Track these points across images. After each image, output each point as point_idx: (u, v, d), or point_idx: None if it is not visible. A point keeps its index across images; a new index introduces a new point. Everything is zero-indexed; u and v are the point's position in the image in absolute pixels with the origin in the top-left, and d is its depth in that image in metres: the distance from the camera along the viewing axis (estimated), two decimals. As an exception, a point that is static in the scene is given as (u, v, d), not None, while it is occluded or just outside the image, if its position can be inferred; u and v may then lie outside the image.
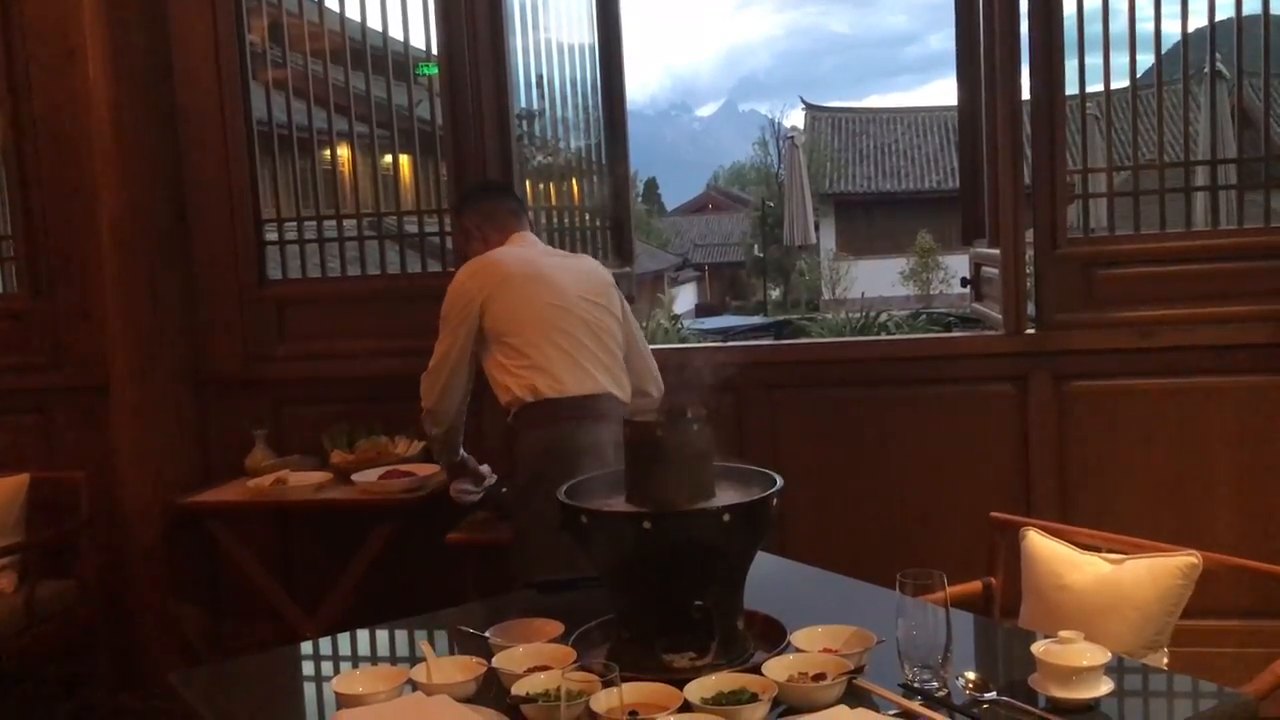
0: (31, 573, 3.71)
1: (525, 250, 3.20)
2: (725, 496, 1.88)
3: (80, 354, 4.06)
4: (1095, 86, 3.63)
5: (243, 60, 4.04)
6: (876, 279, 24.48)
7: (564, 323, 3.01)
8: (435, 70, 4.16)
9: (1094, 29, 3.58)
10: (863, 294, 13.66)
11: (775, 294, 26.74)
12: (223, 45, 4.01)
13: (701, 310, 25.41)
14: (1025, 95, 3.58)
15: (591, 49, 4.21)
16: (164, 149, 4.00)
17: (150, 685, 3.85)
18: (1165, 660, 2.34)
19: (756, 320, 15.46)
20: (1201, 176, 3.90)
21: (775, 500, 1.83)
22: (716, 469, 1.91)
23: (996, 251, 3.66)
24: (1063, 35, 3.54)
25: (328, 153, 4.28)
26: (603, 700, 1.53)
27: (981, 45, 3.84)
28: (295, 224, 4.16)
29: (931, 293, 24.08)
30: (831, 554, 2.54)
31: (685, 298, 27.28)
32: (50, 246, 4.10)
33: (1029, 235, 3.62)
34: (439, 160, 4.21)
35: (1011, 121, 3.55)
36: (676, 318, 13.72)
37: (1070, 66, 3.55)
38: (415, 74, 4.46)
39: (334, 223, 4.18)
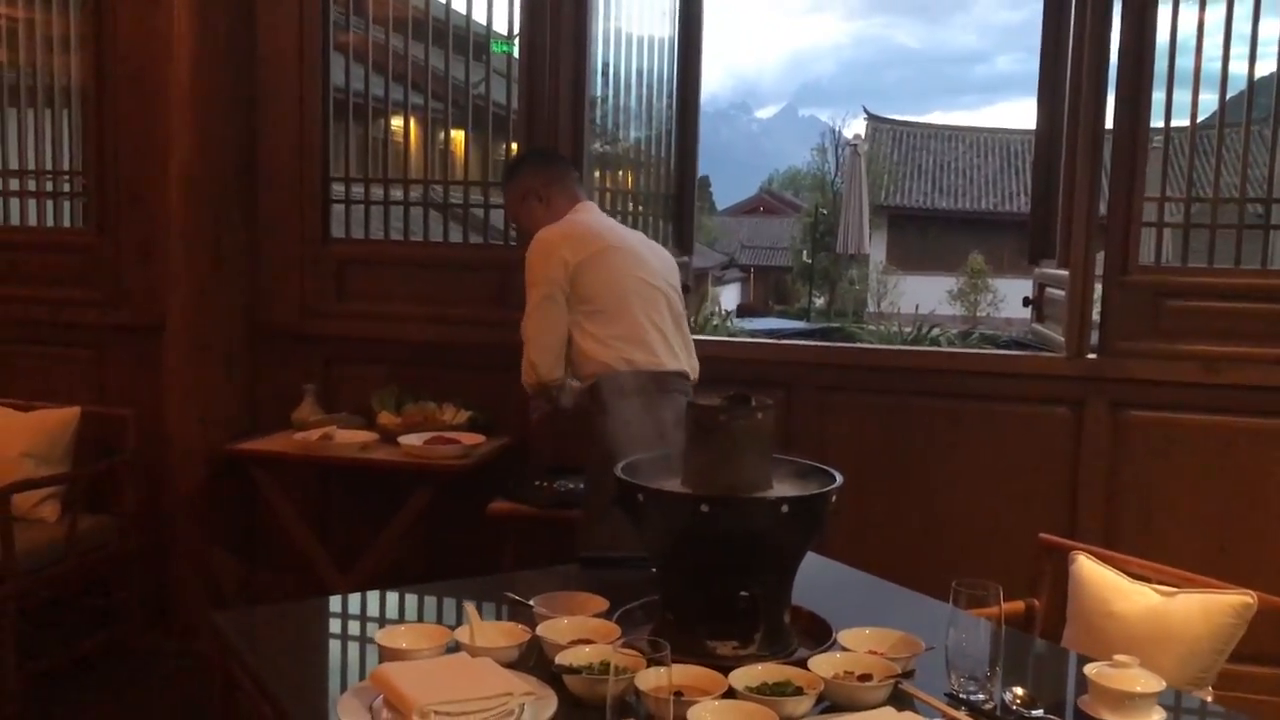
0: (74, 505, 3.76)
1: (604, 219, 3.22)
2: (782, 488, 1.86)
3: (139, 294, 4.11)
4: (1180, 120, 3.59)
5: (325, 23, 4.06)
6: (923, 295, 24.27)
7: (653, 298, 3.03)
8: (509, 49, 4.17)
9: (1181, 62, 3.53)
10: (916, 308, 13.55)
11: (819, 302, 26.61)
12: (307, 7, 4.03)
13: (743, 311, 25.31)
14: (1108, 123, 3.54)
15: (663, 42, 4.21)
16: (239, 100, 4.02)
17: (179, 625, 3.89)
18: (1210, 699, 2.29)
19: (802, 325, 15.39)
20: (1280, 216, 3.82)
21: (834, 497, 1.82)
22: (775, 461, 1.90)
23: (1064, 273, 3.61)
24: (1153, 66, 3.49)
25: (393, 122, 4.29)
26: (650, 678, 1.52)
27: (1068, 69, 3.80)
28: (362, 185, 4.17)
29: (978, 314, 23.86)
30: (869, 560, 2.51)
31: (728, 297, 27.21)
32: (119, 185, 4.15)
33: (1098, 260, 3.57)
34: (489, 135, 4.25)
35: (1092, 148, 3.51)
36: (728, 313, 13.69)
37: (1155, 99, 3.51)
38: (490, 51, 4.47)
39: (399, 190, 4.19)
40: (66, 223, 4.39)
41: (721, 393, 1.88)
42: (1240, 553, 3.41)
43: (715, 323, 11.09)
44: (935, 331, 10.27)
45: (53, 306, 4.20)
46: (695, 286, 6.16)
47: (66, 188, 4.37)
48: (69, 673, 3.74)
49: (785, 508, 1.75)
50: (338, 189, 4.18)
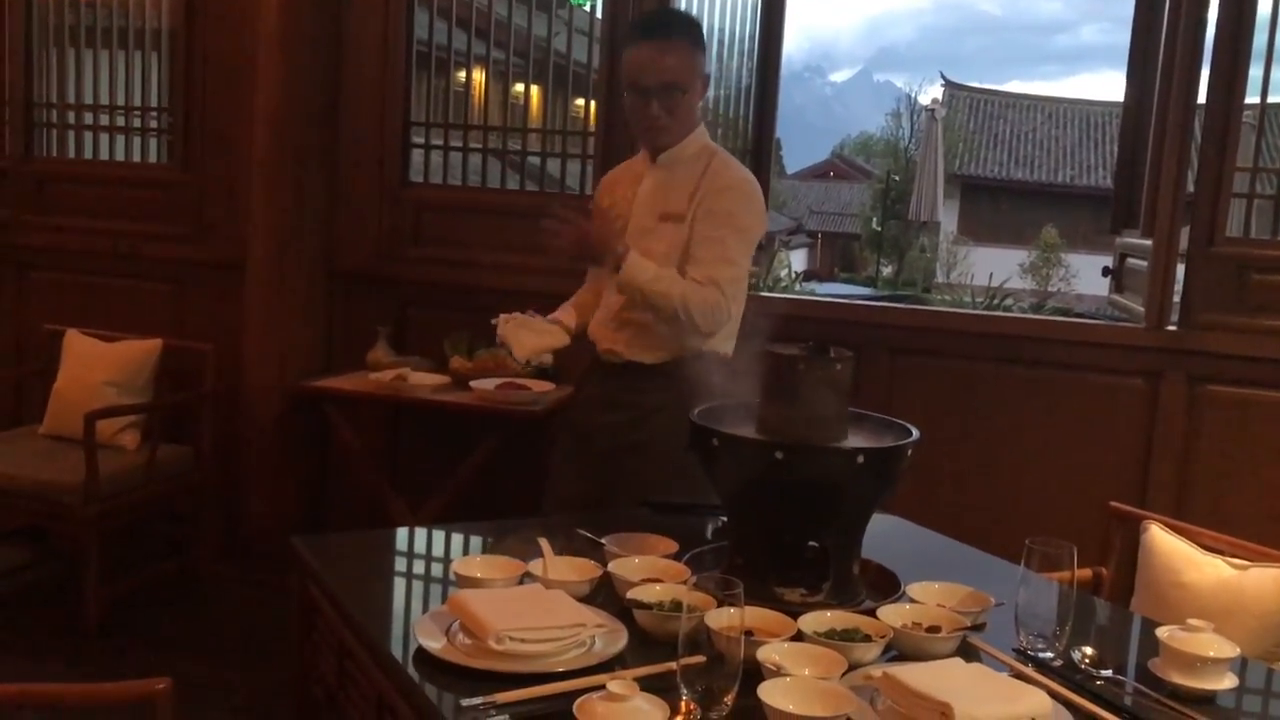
0: (154, 435, 3.87)
1: None
2: (857, 440, 1.87)
3: (221, 230, 4.20)
4: (1276, 97, 3.50)
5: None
6: (994, 267, 23.78)
7: None
8: (586, 2, 4.16)
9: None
10: (991, 275, 13.31)
11: (887, 270, 26.31)
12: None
13: (810, 276, 25.10)
14: (1200, 96, 3.46)
15: (744, 1, 4.16)
16: (326, 43, 4.07)
17: (251, 555, 4.00)
18: (1278, 673, 2.27)
19: (870, 292, 15.24)
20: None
21: (910, 451, 1.82)
22: (851, 415, 1.90)
23: (1147, 243, 3.55)
24: (1250, 41, 3.40)
25: (463, 74, 4.32)
26: (721, 617, 1.54)
27: (1161, 42, 3.71)
28: (442, 131, 4.20)
29: (1050, 289, 23.46)
30: (937, 523, 2.50)
31: (796, 262, 26.98)
32: (204, 123, 4.23)
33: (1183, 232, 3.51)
34: (568, 92, 4.26)
35: (1184, 121, 3.44)
36: (799, 274, 13.58)
37: (1252, 75, 3.42)
38: (571, 6, 4.47)
39: (478, 135, 4.21)
40: (153, 159, 4.48)
41: (800, 343, 1.88)
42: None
43: (785, 283, 11.01)
44: (1008, 301, 10.10)
45: (137, 240, 4.31)
46: (766, 247, 6.14)
47: (154, 124, 4.46)
48: (144, 596, 3.87)
49: (861, 458, 1.75)
50: (417, 138, 4.22)
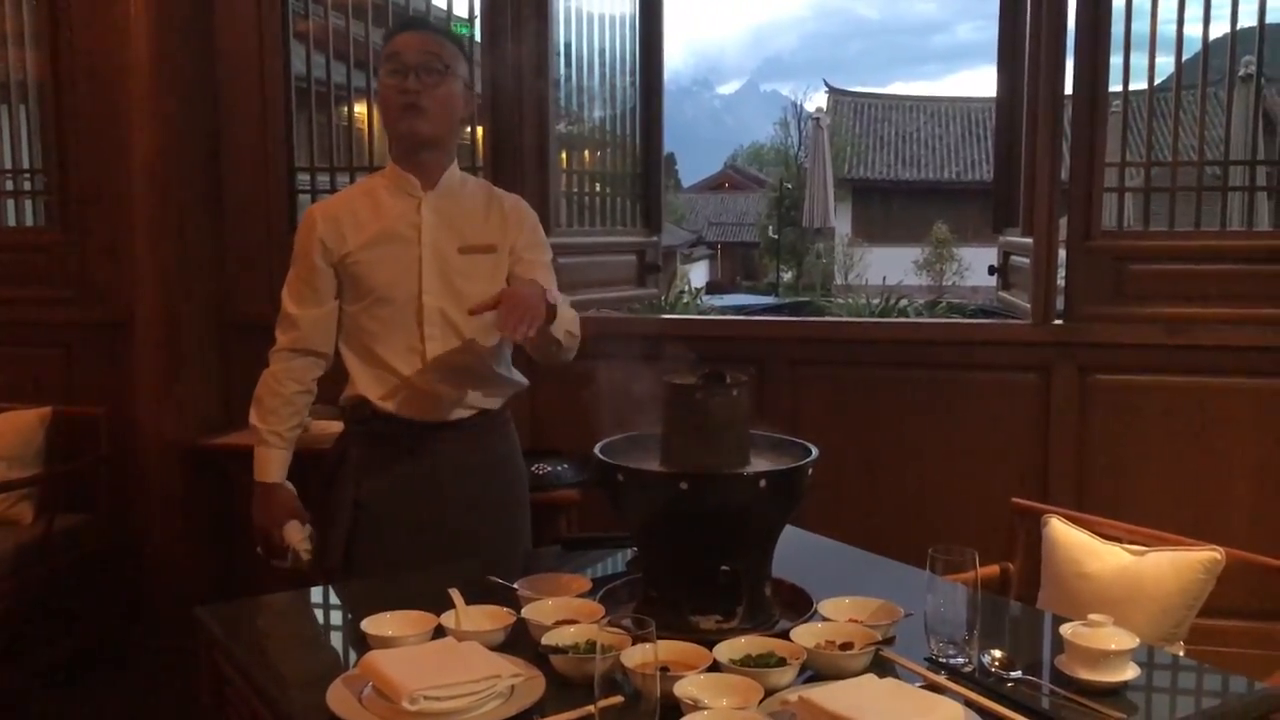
0: (50, 505, 3.74)
1: None
2: (759, 463, 1.89)
3: (105, 290, 4.08)
4: (1138, 84, 3.64)
5: (285, 11, 4.03)
6: (890, 267, 24.41)
7: None
8: (469, 30, 4.15)
9: (1137, 26, 3.58)
10: (884, 279, 13.62)
11: (787, 276, 26.68)
12: (265, -5, 4.00)
13: (712, 288, 25.34)
14: (1067, 89, 3.57)
15: (624, 20, 4.21)
16: (201, 91, 3.99)
17: (159, 623, 3.88)
18: (1182, 654, 2.35)
19: (771, 300, 15.44)
20: (1238, 177, 3.88)
21: (810, 470, 1.84)
22: (753, 437, 1.92)
23: (1028, 240, 3.65)
24: (1109, 30, 3.52)
25: (350, 109, 4.28)
26: (635, 655, 1.54)
27: (1027, 36, 3.83)
28: (328, 174, 4.15)
29: (944, 284, 24.03)
30: (846, 530, 2.54)
31: (697, 275, 27.21)
32: (80, 181, 4.12)
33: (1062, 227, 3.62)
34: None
35: (1053, 113, 3.55)
36: (698, 291, 13.69)
37: (1114, 63, 3.54)
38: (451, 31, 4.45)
39: (365, 173, 4.17)
40: (29, 221, 4.35)
41: (697, 370, 1.89)
42: (1208, 509, 3.48)
43: (686, 300, 11.11)
44: (903, 303, 10.34)
45: (18, 306, 4.16)
46: (664, 265, 6.17)
47: (27, 186, 4.32)
48: (49, 676, 3.73)
49: (763, 483, 1.77)
50: (304, 179, 4.16)
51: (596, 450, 1.89)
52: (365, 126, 4.44)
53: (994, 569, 2.61)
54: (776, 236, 27.52)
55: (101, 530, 3.91)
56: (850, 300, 12.12)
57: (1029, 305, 3.64)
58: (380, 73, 2.37)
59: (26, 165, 4.30)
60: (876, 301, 10.50)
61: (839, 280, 25.72)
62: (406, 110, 2.31)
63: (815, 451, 1.87)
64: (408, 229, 2.36)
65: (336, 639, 1.99)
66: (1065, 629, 1.70)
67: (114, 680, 3.80)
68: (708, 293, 21.28)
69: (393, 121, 2.35)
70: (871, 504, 3.70)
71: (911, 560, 2.33)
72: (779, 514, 1.86)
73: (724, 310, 11.26)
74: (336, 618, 2.14)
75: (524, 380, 2.51)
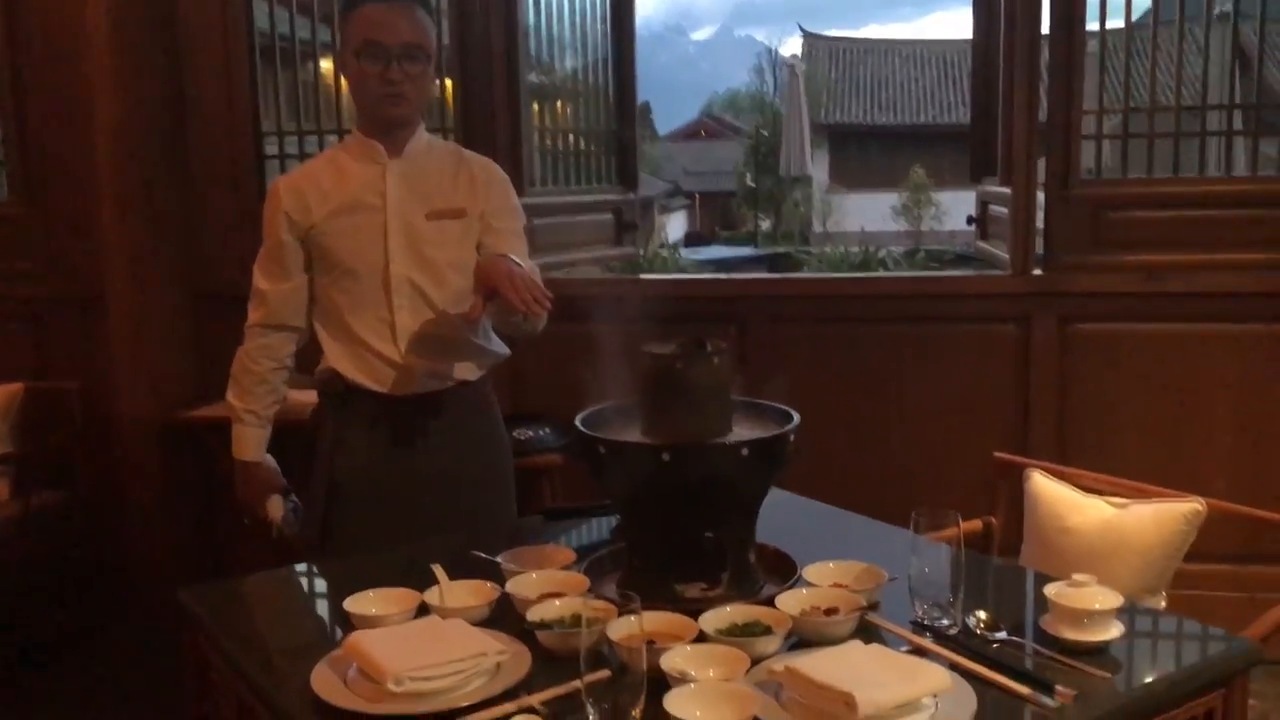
0: (27, 483, 3.70)
1: None
2: (741, 431, 1.87)
3: (75, 264, 4.01)
4: (1115, 22, 3.59)
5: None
6: (868, 213, 24.42)
7: None
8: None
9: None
10: (862, 228, 13.61)
11: (765, 225, 26.62)
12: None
13: (691, 239, 25.29)
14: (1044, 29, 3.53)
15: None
16: (163, 57, 3.91)
17: (141, 600, 3.86)
18: (1163, 603, 2.36)
19: (750, 252, 15.40)
20: (1215, 123, 3.86)
21: (793, 436, 1.83)
22: (734, 403, 1.91)
23: (1006, 190, 3.64)
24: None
25: (316, 65, 4.20)
26: (621, 628, 1.53)
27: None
28: (296, 137, 4.08)
29: (923, 229, 24.04)
30: (829, 488, 2.54)
31: (675, 226, 27.13)
32: (44, 153, 4.03)
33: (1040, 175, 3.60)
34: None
35: (1029, 58, 3.51)
36: (675, 245, 13.62)
37: (1090, 2, 3.51)
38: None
39: (335, 138, 4.11)
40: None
41: (675, 339, 1.87)
42: (1189, 456, 3.50)
43: (664, 256, 11.04)
44: (882, 253, 10.32)
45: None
46: (642, 217, 6.11)
47: (-11, 159, 4.23)
48: (33, 655, 3.71)
49: (746, 451, 1.75)
50: (272, 145, 4.09)
51: (577, 422, 1.88)
52: (332, 84, 4.37)
53: (976, 524, 2.61)
54: (754, 185, 27.41)
55: (80, 506, 3.87)
56: (829, 250, 12.09)
57: (1008, 256, 3.62)
58: (351, 48, 2.26)
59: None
60: (855, 250, 10.48)
61: (817, 228, 25.67)
62: (385, 100, 2.26)
63: (797, 417, 1.86)
64: (373, 197, 2.31)
65: (319, 619, 1.97)
66: (1050, 589, 1.70)
67: (97, 656, 3.79)
68: (686, 245, 21.25)
69: (370, 106, 2.29)
70: (853, 459, 3.70)
71: (895, 514, 2.33)
72: (762, 481, 1.85)
73: (702, 265, 11.22)
74: (319, 597, 2.13)
75: (505, 350, 2.48)
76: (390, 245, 2.30)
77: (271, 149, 4.09)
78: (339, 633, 1.75)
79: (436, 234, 2.32)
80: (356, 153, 2.35)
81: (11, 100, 4.02)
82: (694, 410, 1.82)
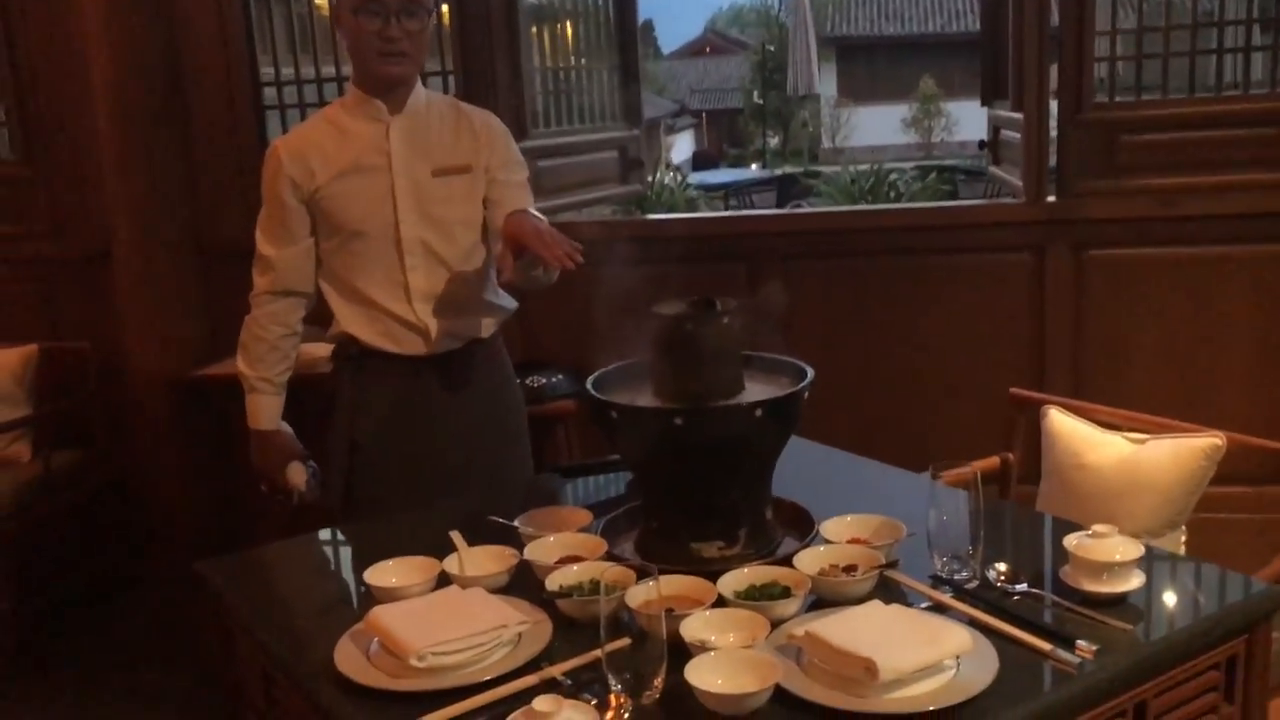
0: (45, 443, 3.73)
1: None
2: (754, 389, 1.85)
3: (79, 222, 3.99)
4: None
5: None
6: (878, 126, 24.07)
7: None
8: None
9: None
10: (871, 151, 13.40)
11: (774, 142, 26.26)
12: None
13: (699, 159, 24.98)
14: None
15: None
16: (158, 5, 3.83)
17: (165, 554, 3.90)
18: (1183, 537, 2.36)
19: (757, 174, 15.21)
20: (1232, 39, 3.76)
21: (806, 393, 1.81)
22: (745, 359, 1.89)
23: (1018, 115, 3.56)
24: None
25: (311, 5, 4.09)
26: (640, 594, 1.53)
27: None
28: (295, 87, 4.01)
29: (933, 140, 23.71)
30: (844, 427, 2.53)
31: (682, 145, 26.80)
32: (42, 108, 3.99)
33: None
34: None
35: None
36: (681, 171, 13.43)
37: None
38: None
39: (334, 86, 4.03)
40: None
41: (685, 299, 1.84)
42: (1205, 384, 3.47)
43: (671, 187, 10.88)
44: (893, 175, 10.16)
45: (-7, 243, 4.07)
46: (647, 139, 5.99)
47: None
48: (62, 611, 3.76)
49: (759, 412, 1.74)
50: (271, 94, 4.02)
51: (588, 385, 1.86)
52: (329, 24, 4.27)
53: (994, 461, 2.60)
54: (761, 102, 26.99)
55: (99, 465, 3.90)
56: (839, 171, 11.87)
57: (1020, 183, 3.56)
58: (348, 4, 2.20)
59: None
60: (864, 168, 10.33)
61: (826, 144, 25.33)
62: (387, 59, 2.21)
63: (810, 374, 1.84)
64: (377, 157, 2.28)
65: (340, 590, 1.97)
66: (1070, 540, 1.69)
67: (122, 613, 3.84)
68: (694, 165, 21.00)
69: (367, 62, 2.24)
70: (867, 398, 3.68)
71: (911, 452, 2.33)
72: (777, 440, 1.84)
73: (712, 188, 11.08)
74: (339, 566, 2.13)
75: (513, 303, 2.47)
76: (400, 206, 2.28)
77: (271, 99, 4.01)
78: (360, 605, 1.76)
79: (444, 191, 2.30)
80: (357, 111, 2.31)
81: (6, 53, 3.97)
82: (705, 371, 1.80)
